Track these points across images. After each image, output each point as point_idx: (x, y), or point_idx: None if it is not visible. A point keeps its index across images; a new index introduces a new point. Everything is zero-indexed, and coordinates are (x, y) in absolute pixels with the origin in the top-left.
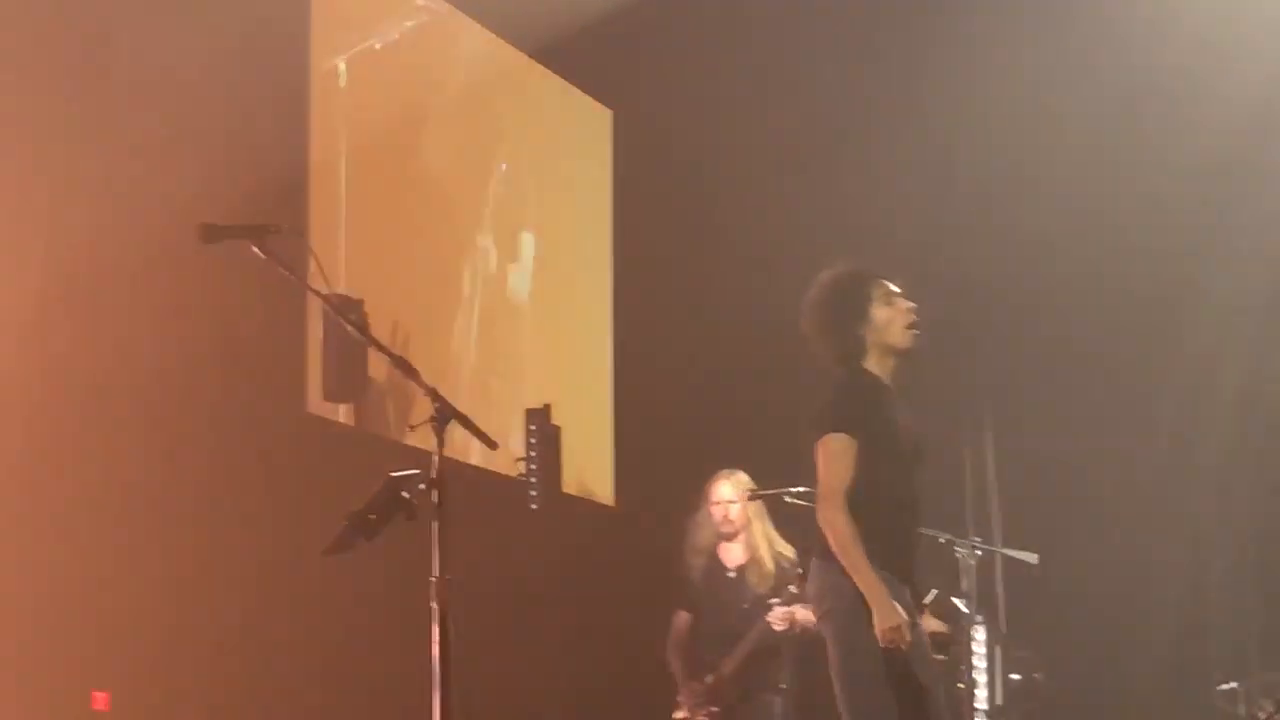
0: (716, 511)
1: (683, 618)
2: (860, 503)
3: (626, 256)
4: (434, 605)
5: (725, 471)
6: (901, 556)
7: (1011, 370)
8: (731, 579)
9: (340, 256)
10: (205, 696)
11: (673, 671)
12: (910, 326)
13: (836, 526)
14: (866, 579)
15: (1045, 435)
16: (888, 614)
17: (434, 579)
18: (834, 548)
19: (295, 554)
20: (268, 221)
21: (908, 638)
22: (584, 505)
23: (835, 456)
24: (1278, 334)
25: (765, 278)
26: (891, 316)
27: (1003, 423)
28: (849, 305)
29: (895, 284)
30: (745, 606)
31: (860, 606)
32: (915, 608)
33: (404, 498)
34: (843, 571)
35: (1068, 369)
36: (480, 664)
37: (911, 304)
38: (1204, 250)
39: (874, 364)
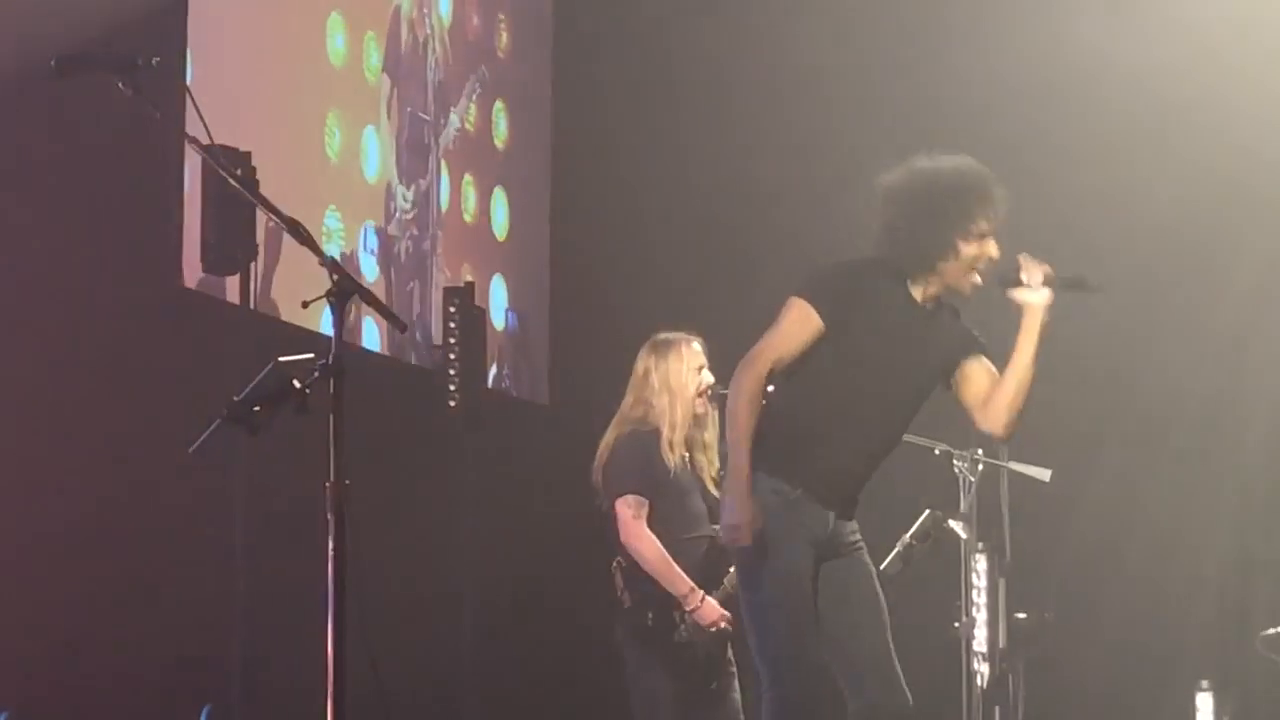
0: (699, 380)
1: (645, 506)
2: (802, 405)
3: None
4: (330, 516)
5: (681, 335)
6: (834, 484)
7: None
8: (688, 470)
9: (223, 99)
10: (58, 605)
11: (670, 579)
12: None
13: (742, 387)
14: (737, 463)
15: (1068, 325)
16: (730, 509)
17: (329, 484)
18: (728, 407)
19: (166, 453)
20: (137, 53)
21: (747, 540)
22: (513, 403)
23: (791, 323)
24: None
25: (727, 148)
26: (978, 255)
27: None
28: (943, 214)
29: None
30: (700, 502)
31: (784, 522)
32: (842, 543)
33: (294, 387)
34: (767, 478)
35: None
36: (383, 585)
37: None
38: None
39: (916, 287)
